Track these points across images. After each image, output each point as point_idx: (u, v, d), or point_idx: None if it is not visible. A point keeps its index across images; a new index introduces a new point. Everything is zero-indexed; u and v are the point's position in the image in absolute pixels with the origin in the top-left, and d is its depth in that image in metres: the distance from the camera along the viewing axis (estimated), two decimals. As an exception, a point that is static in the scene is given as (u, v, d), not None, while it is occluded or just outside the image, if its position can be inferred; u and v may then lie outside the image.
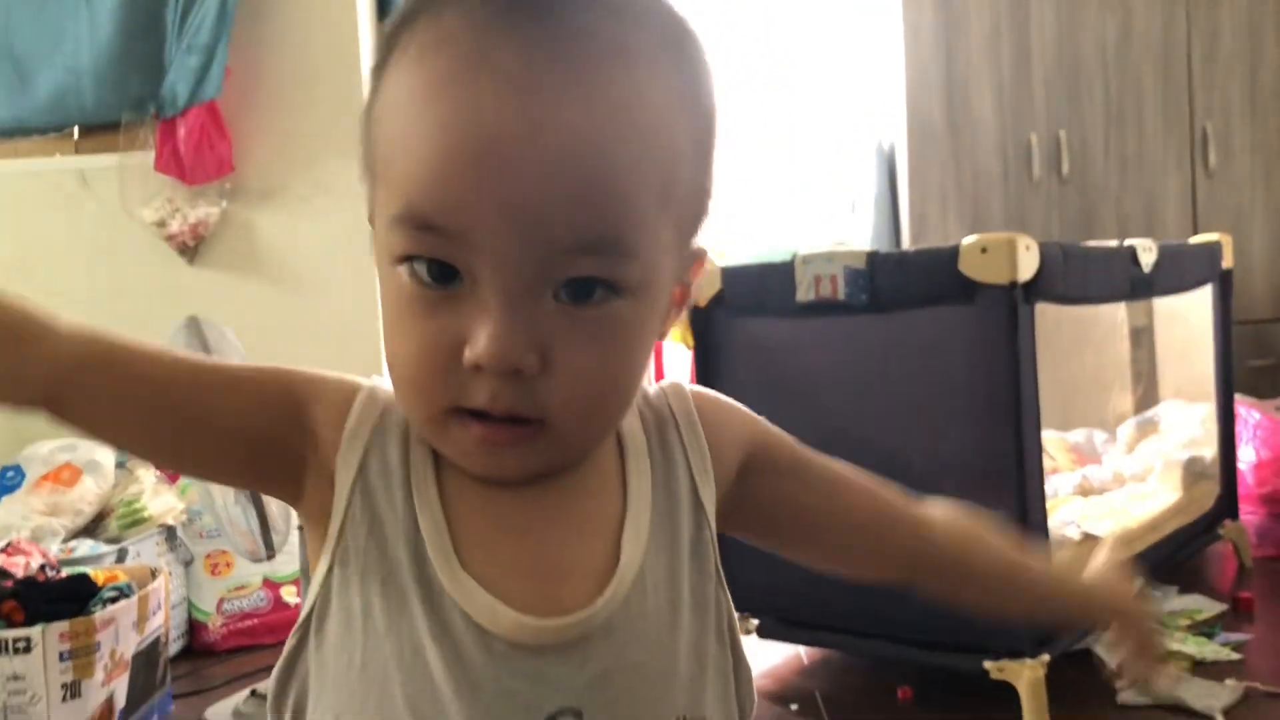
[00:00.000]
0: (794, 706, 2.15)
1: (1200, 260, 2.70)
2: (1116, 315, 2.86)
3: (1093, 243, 2.63)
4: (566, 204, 0.47)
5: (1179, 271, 2.56)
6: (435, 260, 0.49)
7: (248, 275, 3.23)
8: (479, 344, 0.48)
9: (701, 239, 0.58)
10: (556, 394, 0.50)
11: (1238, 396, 2.90)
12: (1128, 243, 2.36)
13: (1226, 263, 2.78)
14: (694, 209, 0.55)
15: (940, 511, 0.67)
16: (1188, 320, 2.75)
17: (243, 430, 0.56)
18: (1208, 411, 2.78)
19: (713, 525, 0.62)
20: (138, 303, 3.23)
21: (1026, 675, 1.93)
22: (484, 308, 0.49)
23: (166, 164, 3.09)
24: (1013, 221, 3.41)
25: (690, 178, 0.53)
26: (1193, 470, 2.67)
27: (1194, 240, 2.82)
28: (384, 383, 0.58)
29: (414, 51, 0.49)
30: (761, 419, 0.67)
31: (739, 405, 0.66)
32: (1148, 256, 2.37)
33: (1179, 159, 3.46)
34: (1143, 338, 2.91)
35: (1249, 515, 2.92)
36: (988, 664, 1.96)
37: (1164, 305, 2.78)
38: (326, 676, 0.54)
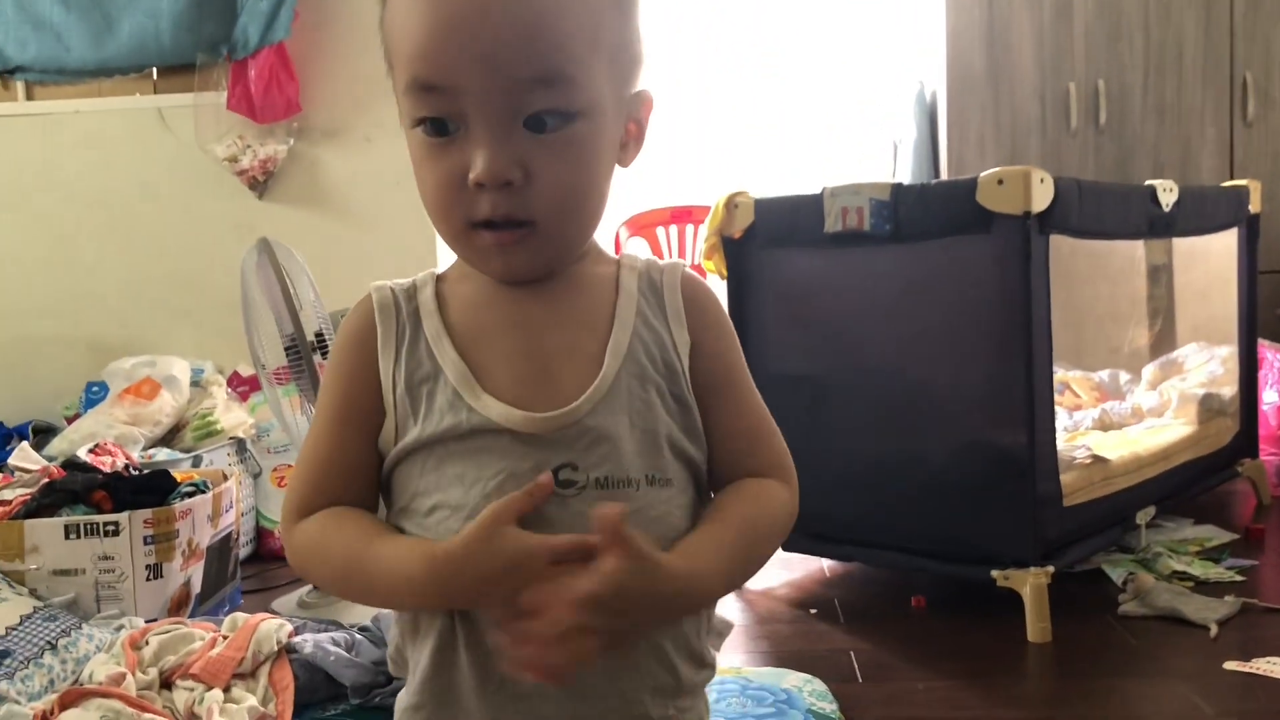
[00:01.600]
0: (813, 611, 2.30)
1: (1226, 203, 2.77)
2: (1134, 251, 2.93)
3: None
4: (518, 48, 0.66)
5: (1201, 213, 2.64)
6: (438, 118, 0.68)
7: (313, 208, 3.42)
8: (477, 167, 0.67)
9: (643, 83, 0.75)
10: (539, 200, 0.69)
11: (1262, 341, 2.97)
12: (1147, 182, 2.45)
13: (1255, 208, 2.85)
14: (624, 52, 0.73)
15: (754, 481, 0.79)
16: (1208, 261, 2.82)
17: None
18: (1229, 352, 2.86)
19: (683, 356, 0.76)
20: (211, 233, 3.44)
21: (1030, 583, 2.06)
22: (477, 143, 0.68)
23: (238, 103, 3.28)
24: (1049, 168, 3.43)
25: (615, 28, 0.71)
26: (1209, 406, 2.75)
27: (1224, 185, 2.89)
28: (377, 284, 0.77)
29: None
30: (729, 327, 0.81)
31: (720, 305, 0.81)
32: (1168, 196, 2.46)
33: (1217, 108, 3.51)
34: (1161, 275, 2.98)
35: (1270, 455, 2.99)
36: (995, 573, 2.10)
37: (1184, 245, 2.85)
38: (398, 486, 0.74)
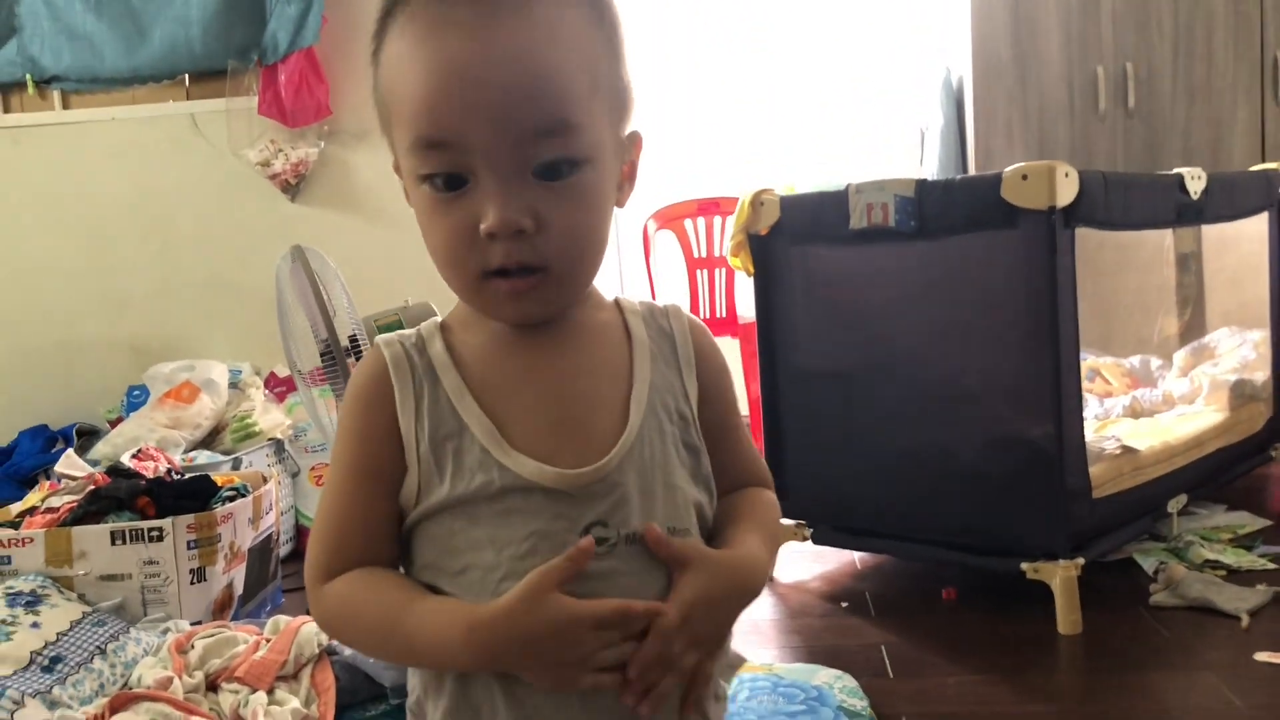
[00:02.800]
0: (844, 605, 2.32)
1: (1256, 188, 2.75)
2: (1162, 241, 2.92)
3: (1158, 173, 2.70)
4: (524, 103, 0.67)
5: (1231, 199, 2.62)
6: (446, 173, 0.69)
7: (344, 211, 3.46)
8: (490, 218, 0.68)
9: (633, 125, 0.77)
10: (550, 246, 0.70)
11: (1295, 324, 2.95)
12: (1175, 170, 2.44)
13: (1286, 191, 2.83)
14: (619, 96, 0.74)
15: (752, 490, 0.84)
16: (1239, 247, 2.80)
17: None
18: (1261, 336, 2.84)
19: (693, 405, 0.79)
20: (244, 236, 3.49)
21: (1060, 575, 2.07)
22: (487, 194, 0.69)
23: (269, 108, 3.32)
24: (1078, 154, 3.47)
25: (609, 72, 0.73)
26: (1241, 392, 2.74)
27: (1254, 168, 2.87)
28: (384, 338, 0.78)
29: (397, 29, 0.70)
30: (727, 366, 0.84)
31: (718, 346, 0.84)
32: (1196, 184, 2.45)
33: (1249, 89, 3.47)
34: (1189, 263, 2.97)
35: (1304, 439, 2.97)
36: (1025, 566, 2.11)
37: (1214, 232, 2.83)
38: (424, 544, 0.75)
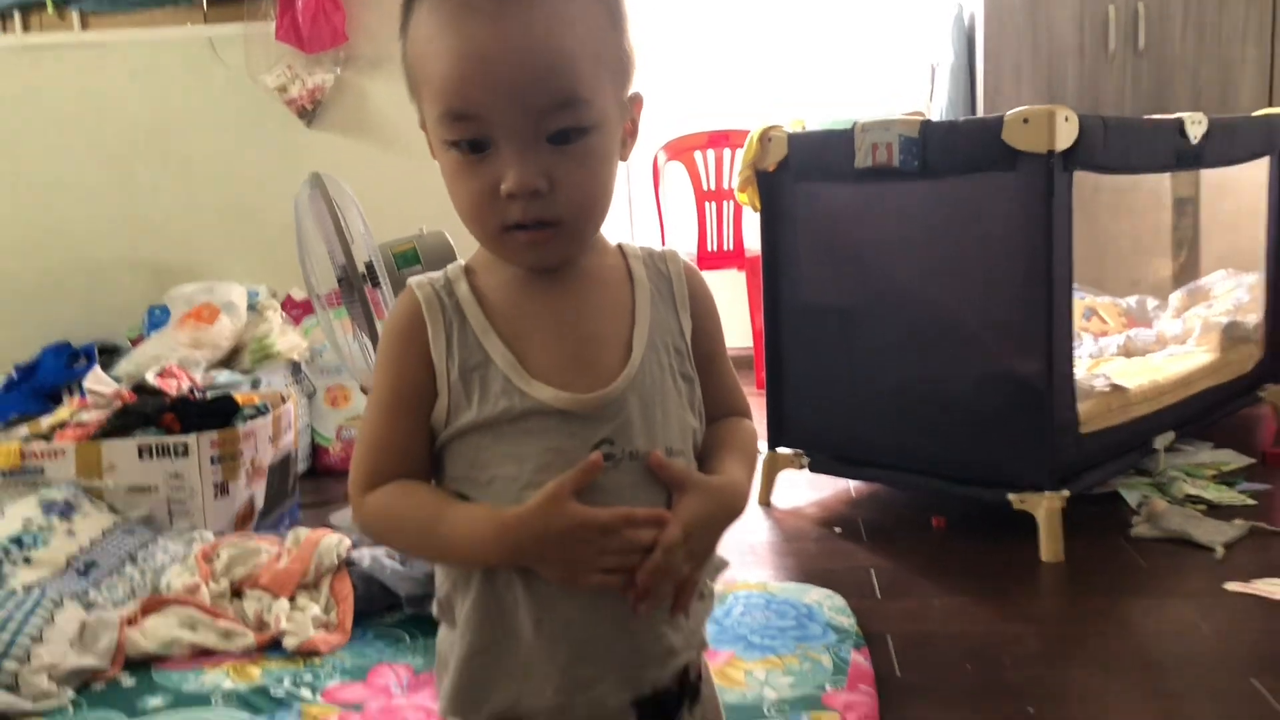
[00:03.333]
0: (838, 530, 2.42)
1: (1257, 133, 2.79)
2: (1160, 185, 2.96)
3: (1159, 116, 2.74)
4: (538, 82, 0.76)
5: (1231, 144, 2.67)
6: (470, 140, 0.78)
7: (359, 137, 3.52)
8: (509, 181, 0.77)
9: (635, 86, 0.85)
10: (562, 203, 0.79)
11: (1290, 267, 3.01)
12: (1175, 115, 2.48)
13: (1288, 136, 2.86)
14: (622, 66, 0.82)
15: (733, 419, 0.94)
16: (1238, 192, 2.85)
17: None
18: (1256, 279, 2.90)
19: (688, 340, 0.90)
20: (261, 160, 3.55)
21: (1045, 507, 2.17)
22: (506, 160, 0.78)
23: (286, 33, 3.36)
24: (1087, 95, 3.50)
25: (613, 45, 0.81)
26: (1232, 334, 2.81)
27: (1256, 114, 2.90)
28: (416, 280, 0.87)
29: (424, 11, 0.78)
30: (715, 306, 0.94)
31: (708, 287, 0.93)
32: (1196, 129, 2.49)
33: (1260, 31, 3.47)
34: (1187, 207, 3.01)
35: (1294, 381, 3.04)
36: (1011, 496, 2.20)
37: (1213, 176, 2.87)
38: (453, 460, 0.84)
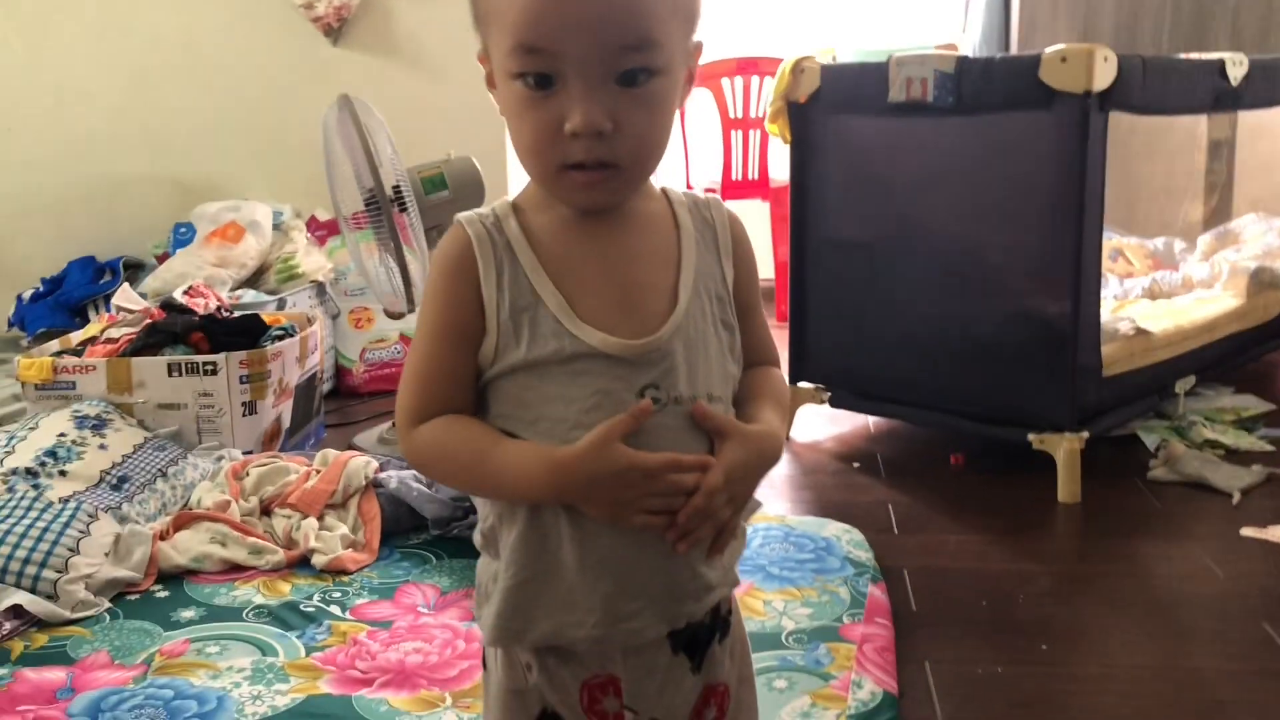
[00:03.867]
0: (856, 465, 2.44)
1: (1298, 75, 2.74)
2: (1196, 127, 2.92)
3: (1196, 55, 2.69)
4: (616, 20, 0.76)
5: (1272, 85, 2.62)
6: (538, 73, 0.78)
7: (386, 57, 3.48)
8: (575, 119, 0.77)
9: (699, 34, 0.84)
10: (624, 146, 0.79)
11: (1322, 212, 2.98)
12: (1216, 55, 2.44)
13: (1329, 77, 2.82)
14: (691, 10, 0.83)
15: (767, 368, 0.95)
16: (1274, 133, 2.81)
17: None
18: (1286, 224, 2.88)
19: (730, 287, 0.90)
20: (286, 78, 3.52)
21: (1064, 447, 2.18)
22: (574, 97, 0.77)
23: (313, -52, 3.31)
24: (1123, 29, 3.44)
25: None
26: (1260, 279, 2.79)
27: (1296, 55, 2.85)
28: (465, 216, 0.87)
29: None
30: (754, 255, 0.95)
31: (749, 237, 0.94)
32: (1237, 70, 2.45)
33: (1304, -32, 3.41)
34: (1221, 150, 2.98)
35: (1319, 327, 3.02)
36: (1031, 436, 2.22)
37: (1250, 118, 2.84)
38: (499, 398, 0.85)
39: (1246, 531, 2.01)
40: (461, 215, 0.87)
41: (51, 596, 1.73)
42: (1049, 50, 2.08)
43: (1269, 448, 2.43)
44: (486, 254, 0.84)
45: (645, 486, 0.80)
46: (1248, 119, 2.87)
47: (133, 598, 1.81)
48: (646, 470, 0.79)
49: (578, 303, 0.83)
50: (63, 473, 2.00)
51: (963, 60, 2.22)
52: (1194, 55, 2.54)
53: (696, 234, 0.89)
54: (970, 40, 3.68)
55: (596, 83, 0.77)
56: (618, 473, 0.79)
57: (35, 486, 1.93)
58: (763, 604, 1.72)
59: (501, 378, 0.84)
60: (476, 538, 0.90)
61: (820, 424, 2.69)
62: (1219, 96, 2.46)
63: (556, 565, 0.84)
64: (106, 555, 1.84)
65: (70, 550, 1.79)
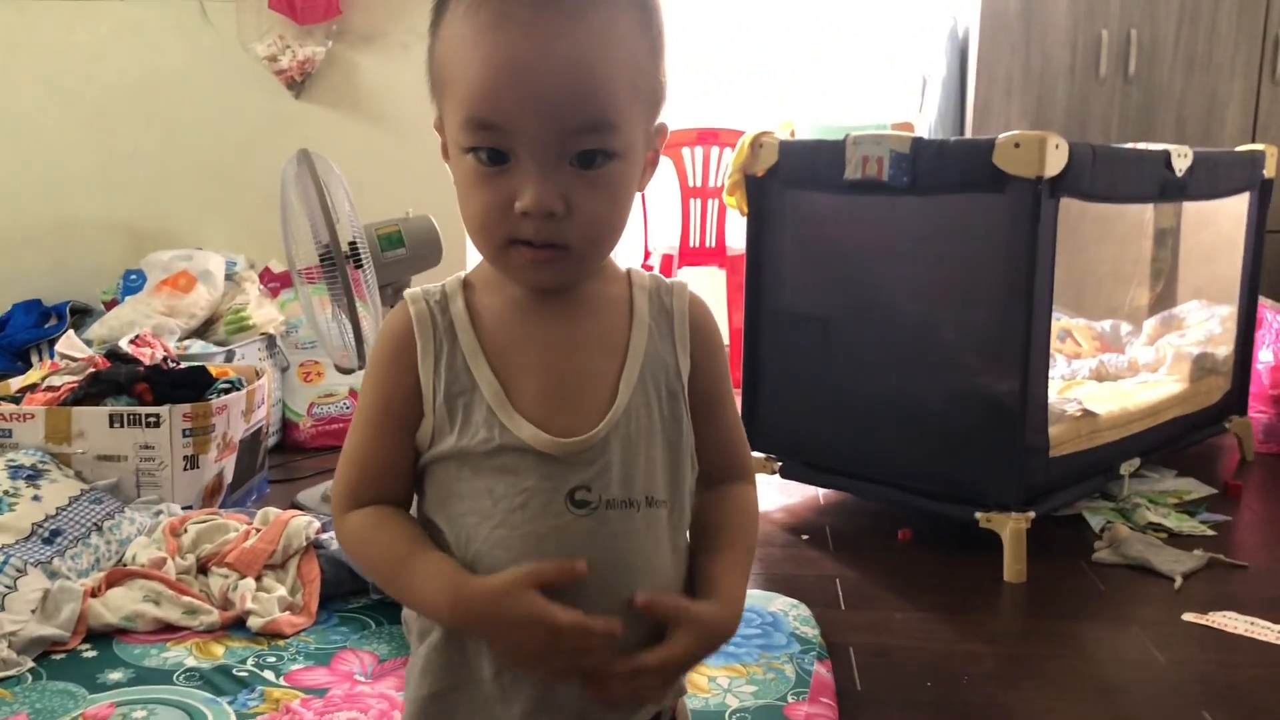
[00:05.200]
0: (805, 537, 2.44)
1: (1241, 168, 2.82)
2: (1143, 215, 3.00)
3: (1143, 145, 2.76)
4: (572, 100, 0.73)
5: (1214, 178, 2.70)
6: (491, 149, 0.75)
7: (348, 112, 3.48)
8: (526, 199, 0.75)
9: (662, 117, 0.83)
10: (576, 229, 0.77)
11: (1263, 301, 3.05)
12: (1162, 147, 2.50)
13: (1269, 172, 2.90)
14: (654, 95, 0.80)
15: (741, 488, 0.91)
16: (1217, 224, 2.88)
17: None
18: (1229, 312, 2.94)
19: (685, 382, 0.86)
20: (246, 129, 3.51)
21: (1010, 527, 2.19)
22: (526, 176, 0.75)
23: (279, 2, 3.32)
24: (1074, 116, 3.53)
25: (649, 73, 0.78)
26: (1202, 365, 2.85)
27: (1240, 149, 2.94)
28: (411, 294, 0.84)
29: (460, 12, 0.76)
30: (723, 347, 0.91)
31: (717, 326, 0.91)
32: (1182, 162, 2.52)
33: (1247, 66, 3.52)
34: (1167, 238, 3.05)
35: (1259, 413, 3.09)
36: (978, 514, 2.23)
37: (1194, 207, 2.91)
38: (433, 484, 0.83)
39: (1188, 616, 2.03)
40: (409, 292, 0.85)
41: (-27, 654, 1.67)
42: (1003, 136, 2.12)
43: (1210, 532, 2.46)
44: (426, 335, 0.82)
45: (549, 643, 0.75)
46: (1191, 209, 2.95)
47: (58, 657, 1.75)
48: (553, 628, 0.75)
49: (514, 390, 0.81)
50: (-8, 524, 1.94)
51: (918, 141, 2.25)
52: (1141, 145, 2.60)
53: (651, 320, 0.85)
54: (926, 120, 3.76)
55: (550, 163, 0.75)
56: (521, 623, 0.75)
57: (-37, 538, 1.87)
58: (707, 680, 1.70)
59: (435, 464, 0.82)
60: (404, 613, 0.87)
61: (770, 494, 2.68)
62: (1164, 186, 2.52)
63: (473, 677, 0.81)
64: (33, 612, 1.78)
65: (-5, 606, 1.73)
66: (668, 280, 0.89)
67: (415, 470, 0.84)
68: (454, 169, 0.80)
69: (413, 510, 0.86)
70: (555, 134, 0.74)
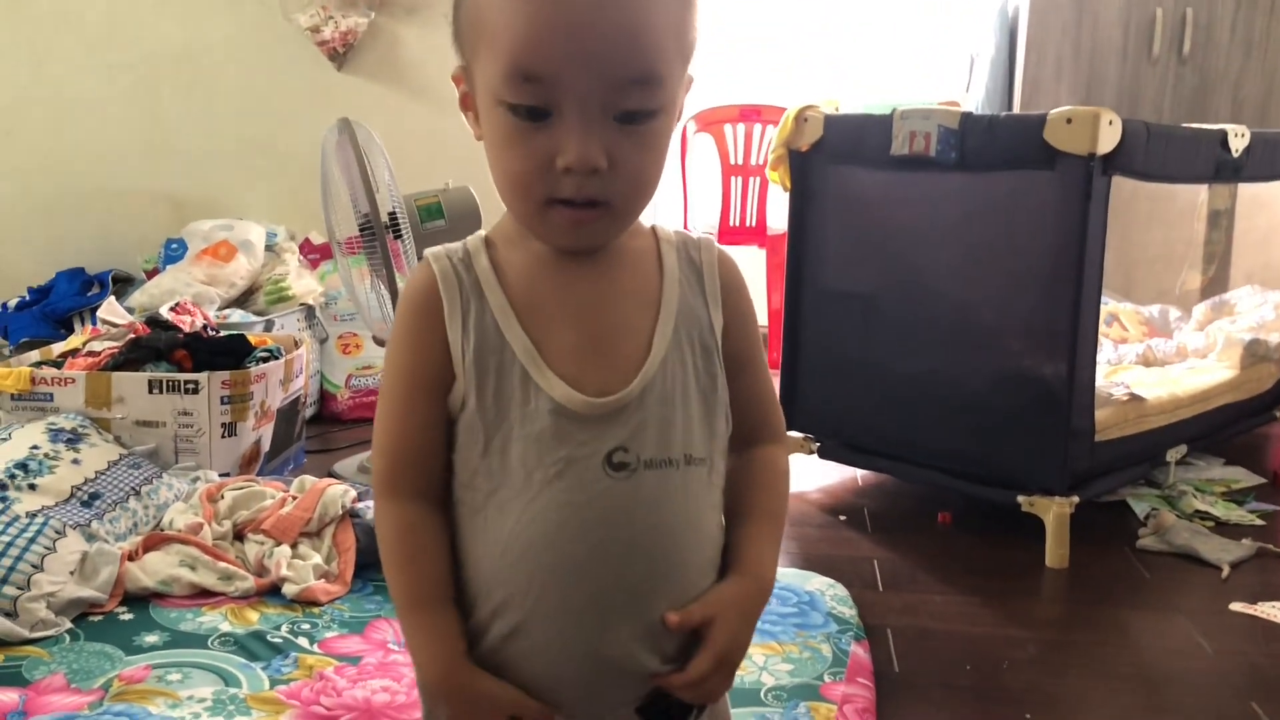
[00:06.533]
0: (843, 518, 2.41)
1: (1299, 150, 2.75)
2: (1196, 196, 2.93)
3: (1200, 125, 2.70)
4: (622, 53, 0.71)
5: (1273, 160, 2.63)
6: (531, 105, 0.72)
7: (389, 84, 3.48)
8: (569, 154, 0.72)
9: (701, 87, 0.80)
10: (617, 185, 0.75)
11: (1318, 288, 2.98)
12: (1218, 127, 2.44)
13: (1329, 155, 2.82)
14: (690, 49, 0.78)
15: (769, 452, 0.89)
16: (1273, 207, 2.81)
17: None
18: (1282, 298, 2.88)
19: (719, 338, 0.84)
20: (288, 100, 3.52)
21: (1054, 511, 2.15)
22: (569, 130, 0.72)
23: (322, -28, 3.32)
24: (1125, 97, 3.45)
25: (688, 24, 0.76)
26: (1254, 352, 2.78)
27: (1298, 130, 2.86)
28: (433, 252, 0.82)
29: None
30: (752, 305, 0.89)
31: (746, 284, 0.88)
32: (1239, 142, 2.45)
33: (1308, 46, 3.44)
34: (1221, 220, 2.98)
35: (1311, 403, 3.02)
36: (1021, 498, 2.19)
37: (1249, 190, 2.84)
38: (461, 461, 0.81)
39: (1236, 606, 1.98)
40: (429, 251, 0.82)
41: (10, 614, 1.68)
42: (1054, 111, 2.07)
43: (1259, 522, 2.41)
44: (452, 293, 0.79)
45: None
46: (1247, 191, 2.87)
47: (95, 619, 1.76)
48: None
49: (546, 347, 0.78)
50: (32, 486, 1.95)
51: (967, 117, 2.21)
52: (1196, 125, 2.53)
53: (681, 276, 0.83)
54: (974, 99, 3.69)
55: (594, 117, 0.72)
56: None
57: (2, 499, 1.88)
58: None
59: (467, 431, 0.79)
60: None
61: (808, 474, 2.65)
62: (1220, 167, 2.46)
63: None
64: (72, 574, 1.79)
65: (34, 567, 1.74)
66: (694, 236, 0.87)
67: (451, 439, 0.81)
68: (484, 122, 0.77)
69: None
70: (603, 88, 0.72)
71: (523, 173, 0.75)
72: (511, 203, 0.78)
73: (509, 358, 0.78)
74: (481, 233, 0.84)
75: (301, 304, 3.08)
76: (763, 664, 1.66)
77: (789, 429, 2.57)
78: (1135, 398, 2.40)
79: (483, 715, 0.78)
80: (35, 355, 2.48)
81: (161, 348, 2.35)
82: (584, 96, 0.72)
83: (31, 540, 1.78)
